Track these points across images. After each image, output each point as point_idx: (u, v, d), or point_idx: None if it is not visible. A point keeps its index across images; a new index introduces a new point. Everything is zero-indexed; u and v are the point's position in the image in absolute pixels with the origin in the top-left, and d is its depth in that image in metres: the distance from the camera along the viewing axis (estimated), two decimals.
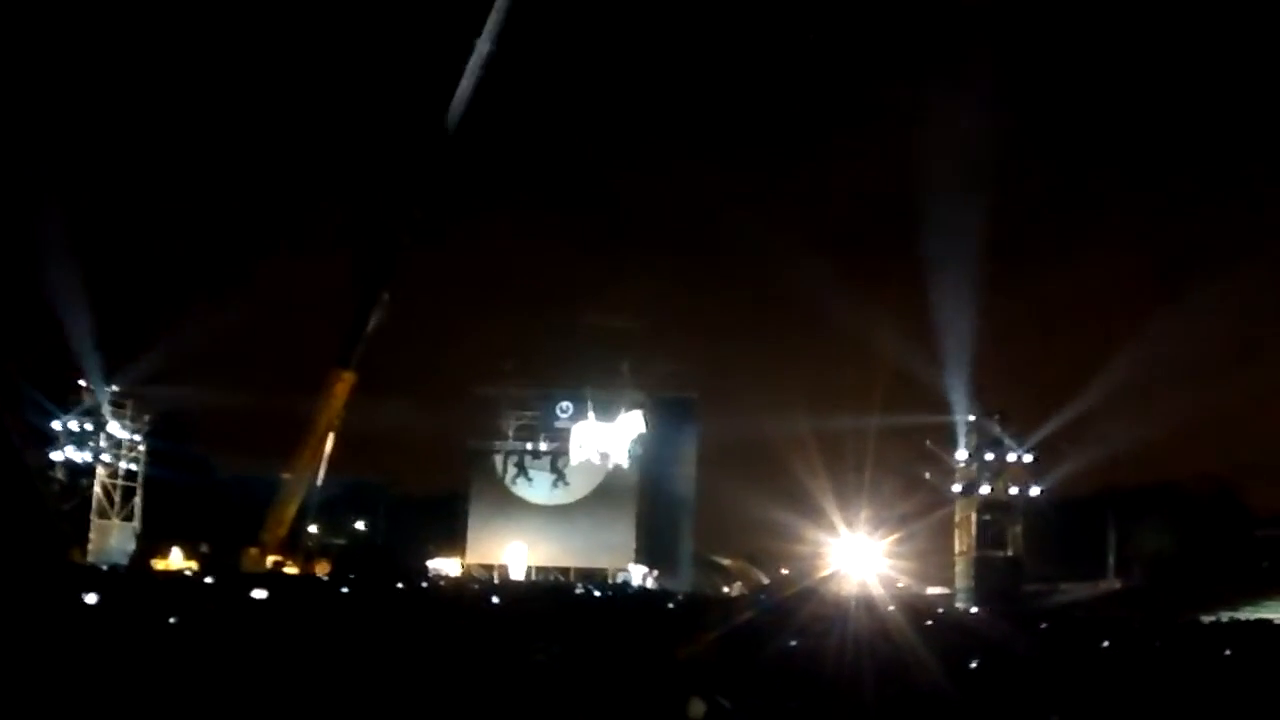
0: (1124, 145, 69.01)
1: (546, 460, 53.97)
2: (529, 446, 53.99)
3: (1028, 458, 46.08)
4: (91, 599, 14.98)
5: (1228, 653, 17.33)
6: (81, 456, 45.32)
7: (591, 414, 53.30)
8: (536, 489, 53.87)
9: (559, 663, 8.25)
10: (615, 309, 52.26)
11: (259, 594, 16.30)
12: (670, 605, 24.21)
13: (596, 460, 53.07)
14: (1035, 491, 46.00)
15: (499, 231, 66.20)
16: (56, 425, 44.73)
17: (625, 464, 52.92)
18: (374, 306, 42.08)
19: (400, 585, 29.14)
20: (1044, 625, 24.87)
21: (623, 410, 53.16)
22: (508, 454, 54.17)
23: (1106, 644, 16.94)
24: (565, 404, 53.64)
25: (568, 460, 53.61)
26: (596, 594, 30.96)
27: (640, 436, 52.95)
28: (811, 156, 76.20)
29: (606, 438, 53.05)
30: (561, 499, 53.55)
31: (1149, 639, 20.09)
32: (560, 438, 53.65)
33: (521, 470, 54.04)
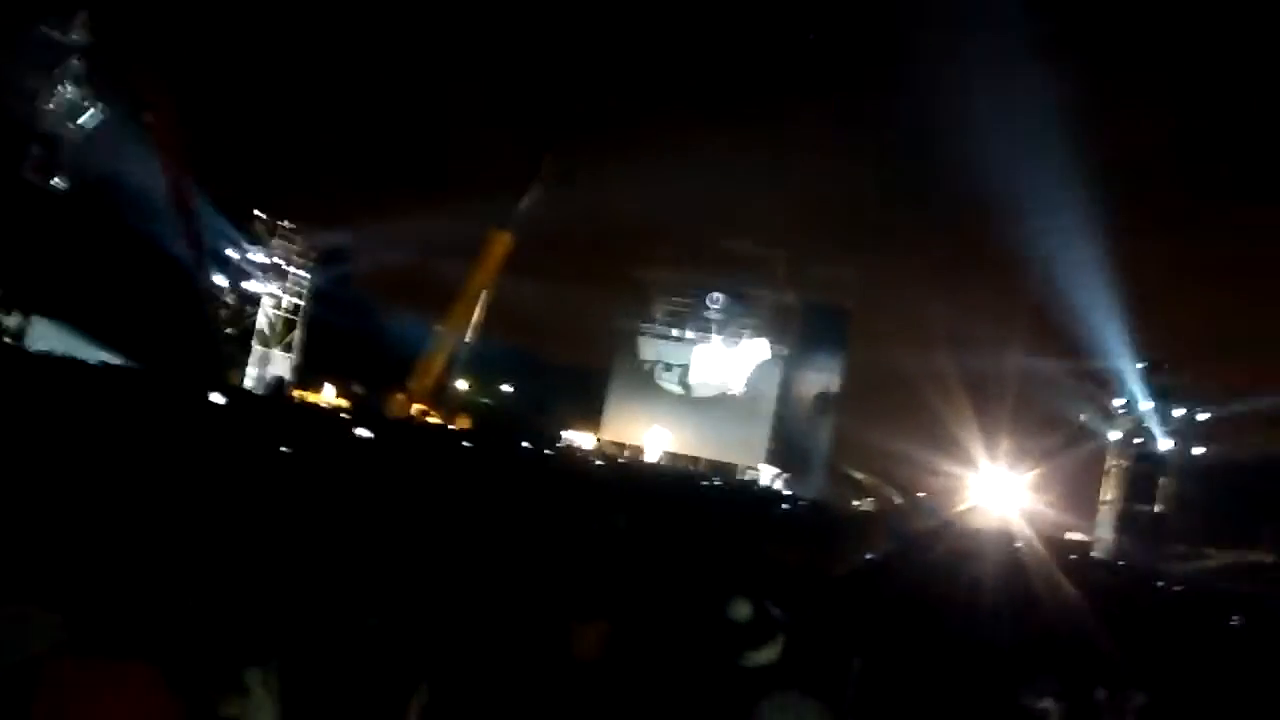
0: None
1: (685, 357, 54.25)
2: (674, 333, 54.03)
3: (1199, 414, 43.43)
4: (218, 399, 15.57)
5: None
6: (250, 284, 47.09)
7: (716, 336, 53.13)
8: (675, 379, 54.17)
9: (621, 537, 7.90)
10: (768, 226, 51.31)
11: (363, 433, 16.78)
12: (787, 507, 23.72)
13: (714, 384, 53.19)
14: (1197, 450, 43.45)
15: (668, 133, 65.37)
16: (230, 252, 46.40)
17: (741, 392, 52.78)
18: (536, 174, 42.30)
19: (527, 446, 29.54)
20: (1179, 588, 23.55)
21: (747, 335, 52.87)
22: (652, 338, 54.40)
23: (1236, 620, 15.75)
24: (716, 295, 53.31)
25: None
26: (715, 486, 30.84)
27: (764, 363, 52.74)
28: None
29: (729, 363, 53.03)
30: (699, 392, 53.82)
31: None
32: (700, 326, 53.64)
33: (663, 362, 54.35)
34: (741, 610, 6.61)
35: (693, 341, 53.98)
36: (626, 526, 8.30)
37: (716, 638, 6.09)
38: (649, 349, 54.52)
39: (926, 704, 6.53)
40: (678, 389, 54.06)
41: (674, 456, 51.27)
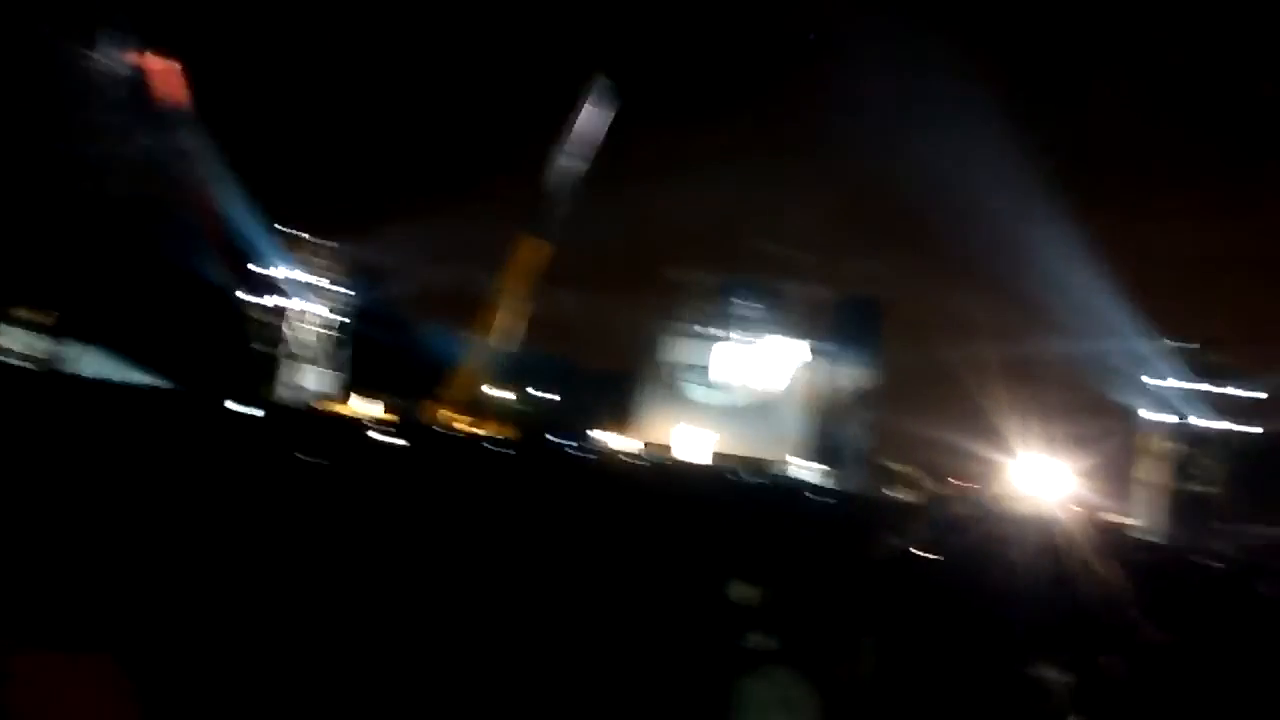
0: None
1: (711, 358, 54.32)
2: (703, 333, 54.15)
3: (1241, 394, 42.79)
4: (233, 404, 15.89)
5: None
6: (286, 301, 47.60)
7: (743, 335, 53.17)
8: (702, 379, 54.46)
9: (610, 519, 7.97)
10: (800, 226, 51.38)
11: (377, 436, 17.05)
12: (815, 498, 23.55)
13: (741, 383, 53.14)
14: (1239, 429, 42.79)
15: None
16: (269, 270, 46.96)
17: (770, 389, 52.64)
18: (563, 179, 42.82)
19: (556, 446, 29.69)
20: (1215, 563, 23.18)
21: (770, 334, 52.96)
22: (681, 339, 54.57)
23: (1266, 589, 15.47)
24: (745, 294, 53.42)
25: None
26: (752, 482, 30.69)
27: (795, 359, 52.76)
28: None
29: (756, 361, 52.94)
30: (726, 392, 54.05)
31: None
32: (733, 326, 53.62)
33: (690, 363, 54.57)
34: (742, 592, 6.65)
35: (720, 341, 54.01)
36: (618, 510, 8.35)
37: (713, 618, 6.14)
38: (677, 351, 54.60)
39: (938, 680, 6.53)
40: (705, 389, 54.16)
41: (707, 454, 51.23)
